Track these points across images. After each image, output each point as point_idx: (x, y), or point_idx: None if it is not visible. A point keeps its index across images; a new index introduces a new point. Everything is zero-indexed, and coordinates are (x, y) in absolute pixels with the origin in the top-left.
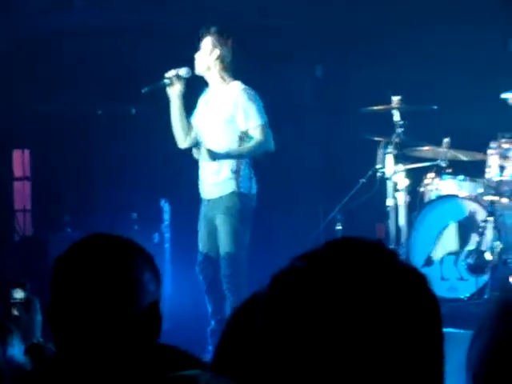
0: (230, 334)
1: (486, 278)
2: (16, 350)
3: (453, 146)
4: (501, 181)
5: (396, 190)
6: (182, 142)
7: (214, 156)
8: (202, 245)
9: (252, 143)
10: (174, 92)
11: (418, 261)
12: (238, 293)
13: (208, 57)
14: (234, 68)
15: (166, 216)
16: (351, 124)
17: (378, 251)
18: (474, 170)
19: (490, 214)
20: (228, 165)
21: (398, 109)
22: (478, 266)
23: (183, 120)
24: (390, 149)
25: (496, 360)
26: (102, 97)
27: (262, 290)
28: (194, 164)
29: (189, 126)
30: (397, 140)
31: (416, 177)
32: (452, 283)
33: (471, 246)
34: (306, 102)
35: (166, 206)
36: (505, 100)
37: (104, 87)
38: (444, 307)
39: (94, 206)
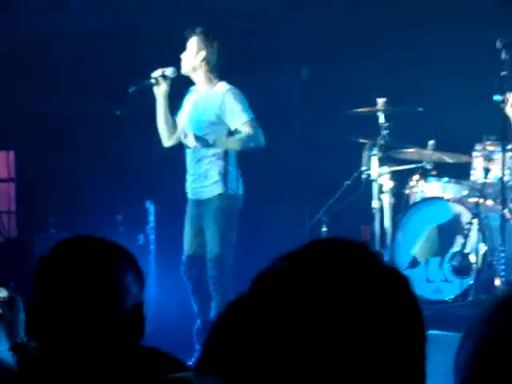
0: (215, 335)
1: (470, 280)
2: (2, 347)
3: (438, 148)
4: (485, 183)
5: (381, 192)
6: (167, 141)
7: (201, 142)
8: (188, 245)
9: (241, 136)
10: (160, 91)
11: (402, 263)
12: (225, 294)
13: (194, 58)
14: (220, 69)
15: (151, 218)
16: (337, 126)
17: (361, 252)
18: (459, 173)
19: (475, 216)
20: (216, 167)
21: (383, 111)
22: (462, 268)
23: (168, 119)
24: (376, 151)
25: (484, 364)
26: (87, 98)
27: (244, 293)
28: (180, 165)
29: (174, 125)
30: (382, 142)
31: (401, 179)
32: (437, 285)
33: (456, 248)
34: (292, 104)
35: (151, 208)
36: (495, 103)
37: (89, 88)
38: (429, 309)
39: (79, 207)
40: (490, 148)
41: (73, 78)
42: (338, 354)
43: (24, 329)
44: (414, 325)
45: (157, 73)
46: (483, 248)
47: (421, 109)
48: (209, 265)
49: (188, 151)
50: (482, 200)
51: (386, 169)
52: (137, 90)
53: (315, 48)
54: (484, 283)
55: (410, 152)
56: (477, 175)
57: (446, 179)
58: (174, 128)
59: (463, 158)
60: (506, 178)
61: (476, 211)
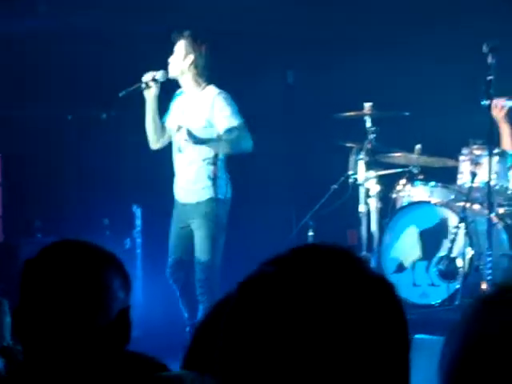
0: (200, 336)
1: (457, 284)
2: None
3: (425, 152)
4: (472, 187)
5: (368, 196)
6: (155, 143)
7: (193, 138)
8: (174, 248)
9: (230, 140)
10: (150, 94)
11: (389, 267)
12: (212, 297)
13: (182, 62)
14: (208, 73)
15: (138, 222)
16: (323, 130)
17: (346, 258)
18: (446, 177)
19: (462, 220)
20: (205, 171)
21: (370, 115)
22: (449, 273)
23: (157, 121)
24: (362, 155)
25: (468, 363)
26: (72, 102)
27: (231, 295)
28: (167, 169)
29: (162, 128)
30: (369, 146)
31: (388, 183)
32: (423, 289)
33: (443, 253)
34: (278, 108)
35: (137, 212)
36: (483, 107)
37: (75, 92)
38: (415, 313)
39: (66, 211)
40: (477, 152)
41: (58, 82)
42: (323, 359)
43: (10, 332)
44: (399, 331)
45: (147, 77)
46: (470, 252)
47: (407, 113)
48: (197, 268)
49: (177, 155)
50: (468, 204)
51: (372, 173)
52: (127, 94)
53: (300, 51)
54: (471, 287)
55: (397, 156)
56: (464, 179)
57: (432, 183)
58: (163, 131)
59: (450, 163)
60: (492, 183)
61: (463, 215)
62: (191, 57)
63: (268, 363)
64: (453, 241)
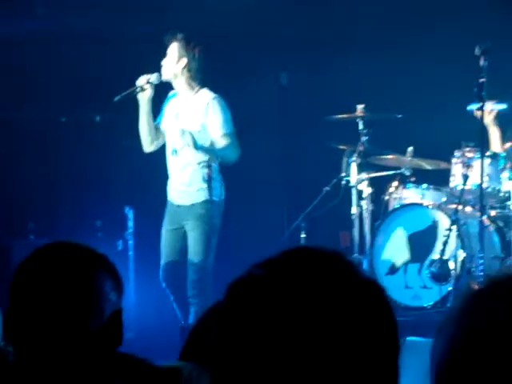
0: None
1: (449, 286)
2: None
3: (417, 154)
4: (464, 189)
5: (360, 199)
6: (149, 146)
7: (195, 144)
8: (167, 250)
9: (216, 149)
10: (144, 97)
11: (381, 269)
12: (204, 299)
13: (175, 65)
14: (202, 76)
15: (130, 223)
16: (316, 132)
17: (337, 261)
18: (438, 179)
19: (454, 222)
20: (201, 174)
21: (362, 117)
22: (441, 275)
23: (151, 124)
24: (355, 157)
25: (458, 356)
26: (66, 104)
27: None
28: (159, 171)
29: (156, 131)
30: (361, 148)
31: (380, 185)
32: (416, 291)
33: (435, 255)
34: (271, 110)
35: (130, 214)
36: (470, 112)
37: (68, 94)
38: (407, 315)
39: (58, 213)
40: (469, 155)
41: (53, 84)
42: (312, 362)
43: (1, 333)
44: (388, 334)
45: (142, 81)
46: (462, 254)
47: (400, 115)
48: (190, 269)
49: (172, 158)
50: (460, 206)
51: (365, 175)
52: (122, 98)
53: (294, 53)
54: (463, 290)
55: (389, 158)
56: (456, 182)
57: (424, 186)
58: (156, 134)
59: (442, 165)
60: (484, 185)
61: (455, 218)
62: (184, 60)
63: (258, 365)
64: (445, 243)
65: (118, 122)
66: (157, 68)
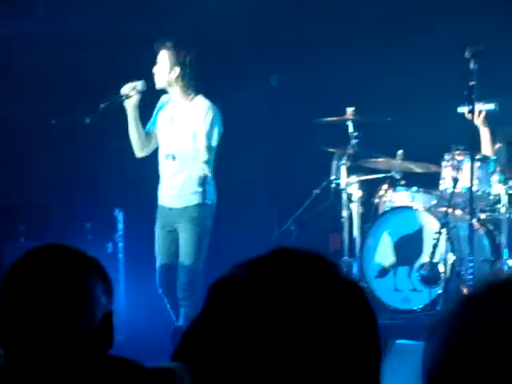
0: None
1: (439, 289)
2: None
3: (407, 157)
4: (454, 192)
5: (350, 201)
6: (140, 152)
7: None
8: (162, 255)
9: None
10: (130, 105)
11: (371, 272)
12: (195, 301)
13: (168, 74)
14: (195, 83)
15: (120, 226)
16: (306, 135)
17: (318, 262)
18: (428, 182)
19: (444, 225)
20: (195, 177)
21: (352, 120)
22: (431, 278)
23: (140, 130)
24: (345, 160)
25: (450, 361)
26: (56, 106)
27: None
28: (149, 173)
29: (146, 136)
30: (351, 151)
31: (370, 188)
32: (405, 294)
33: (425, 258)
34: (261, 112)
35: (120, 216)
36: (462, 114)
37: (61, 96)
38: (397, 318)
39: (49, 215)
40: (459, 158)
41: (43, 86)
42: (293, 363)
43: None
44: (369, 336)
45: (127, 88)
46: (452, 258)
47: (390, 118)
48: (181, 271)
49: (166, 162)
50: (450, 210)
51: (354, 178)
52: (107, 106)
53: (284, 55)
54: (452, 293)
55: (379, 161)
56: (446, 185)
57: (414, 189)
58: (147, 139)
59: (432, 168)
60: (474, 188)
61: (445, 221)
62: (177, 70)
63: (238, 365)
64: (435, 246)
65: (109, 124)
66: (149, 71)
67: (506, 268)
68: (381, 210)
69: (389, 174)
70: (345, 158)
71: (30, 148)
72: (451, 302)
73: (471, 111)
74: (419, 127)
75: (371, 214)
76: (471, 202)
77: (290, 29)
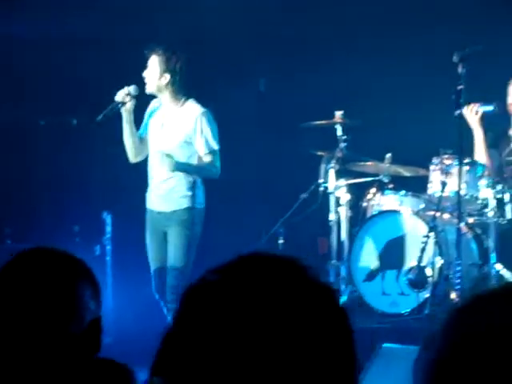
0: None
1: (426, 293)
2: None
3: (395, 161)
4: (442, 196)
5: (338, 205)
6: (134, 157)
7: (173, 164)
8: (155, 262)
9: (201, 166)
10: (126, 110)
11: (359, 275)
12: None
13: (158, 80)
14: (186, 88)
15: (108, 228)
16: (294, 138)
17: (291, 266)
18: (416, 186)
19: (432, 229)
20: (185, 181)
21: (340, 123)
22: (418, 282)
23: (135, 135)
24: (333, 163)
25: (445, 371)
26: (44, 107)
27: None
28: (138, 176)
29: (140, 142)
30: (339, 155)
31: (358, 192)
32: (393, 298)
33: (412, 262)
34: (250, 116)
35: (108, 219)
36: (453, 117)
37: (46, 98)
38: (385, 322)
39: (35, 217)
40: (447, 162)
41: (31, 87)
42: (265, 367)
43: None
44: (342, 339)
45: (121, 95)
46: (439, 261)
47: (378, 122)
48: (171, 275)
49: (157, 166)
50: (438, 213)
51: (343, 181)
52: (104, 117)
53: (273, 59)
54: (440, 297)
55: (368, 165)
56: (434, 189)
57: (403, 192)
58: (141, 144)
59: (420, 172)
60: (462, 192)
61: (433, 225)
62: (167, 76)
63: (210, 371)
64: (422, 250)
65: (100, 129)
66: (141, 73)
67: (493, 272)
68: (369, 214)
69: (377, 178)
70: (333, 161)
71: (17, 149)
72: (445, 312)
73: (459, 116)
74: (407, 131)
75: (359, 218)
76: (459, 206)
77: (278, 32)
